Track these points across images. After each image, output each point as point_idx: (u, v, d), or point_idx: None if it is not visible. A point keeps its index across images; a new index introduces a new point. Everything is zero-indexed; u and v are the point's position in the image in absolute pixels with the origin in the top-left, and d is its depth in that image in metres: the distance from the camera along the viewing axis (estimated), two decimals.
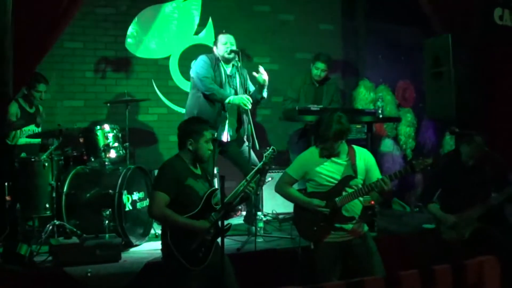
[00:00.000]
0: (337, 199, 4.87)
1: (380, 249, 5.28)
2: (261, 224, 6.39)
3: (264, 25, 8.95)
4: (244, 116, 6.54)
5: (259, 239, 6.18)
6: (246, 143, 6.38)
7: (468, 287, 3.33)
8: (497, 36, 7.31)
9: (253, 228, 6.32)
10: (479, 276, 3.36)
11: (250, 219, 6.62)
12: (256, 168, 4.92)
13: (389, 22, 9.21)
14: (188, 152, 4.74)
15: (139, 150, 7.89)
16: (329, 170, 4.96)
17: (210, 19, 8.62)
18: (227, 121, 6.52)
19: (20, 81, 5.42)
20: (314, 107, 6.97)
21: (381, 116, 7.92)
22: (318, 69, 7.65)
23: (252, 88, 6.77)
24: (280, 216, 7.24)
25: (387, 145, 9.02)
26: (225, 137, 6.54)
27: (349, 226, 4.93)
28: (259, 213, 6.47)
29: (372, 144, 8.15)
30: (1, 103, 5.02)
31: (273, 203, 7.24)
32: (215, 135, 6.40)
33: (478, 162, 5.80)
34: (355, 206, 4.96)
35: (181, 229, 4.49)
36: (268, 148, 5.07)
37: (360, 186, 4.88)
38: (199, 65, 6.51)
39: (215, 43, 6.71)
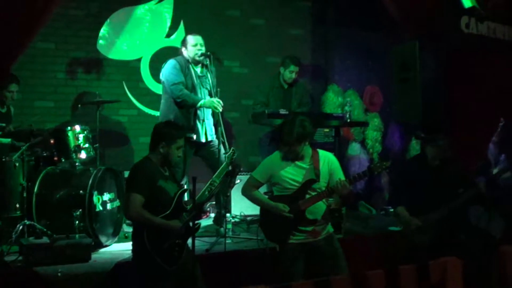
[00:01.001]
0: (300, 202, 4.97)
1: (346, 251, 5.41)
2: (229, 226, 6.51)
3: (234, 29, 8.99)
4: (217, 118, 6.58)
5: (228, 240, 6.25)
6: (217, 145, 6.45)
7: (431, 287, 3.41)
8: (464, 43, 7.52)
9: (222, 229, 6.43)
10: (442, 276, 3.43)
11: (219, 220, 6.70)
12: (220, 169, 5.02)
13: (358, 28, 9.37)
14: (159, 154, 4.81)
15: (109, 151, 7.89)
16: (293, 174, 5.06)
17: (181, 22, 8.63)
18: (204, 123, 6.59)
19: None
20: (283, 111, 7.05)
21: (348, 120, 8.05)
22: (293, 72, 7.74)
23: None
24: (248, 218, 7.30)
25: (354, 149, 9.16)
26: (203, 138, 6.61)
27: (312, 228, 5.04)
28: (228, 214, 6.58)
29: (340, 148, 8.28)
30: None
31: (242, 205, 7.26)
32: (194, 138, 6.51)
33: (442, 165, 5.91)
34: (319, 209, 5.06)
35: (157, 230, 4.56)
36: (228, 150, 5.20)
37: (323, 189, 4.99)
38: (168, 71, 6.55)
39: (184, 43, 6.72)
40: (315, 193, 5.00)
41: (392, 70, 7.50)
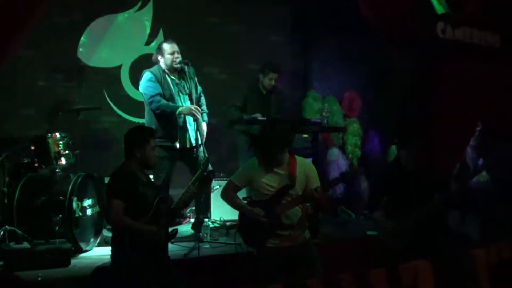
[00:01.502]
0: (276, 208, 5.05)
1: (322, 255, 5.50)
2: (207, 231, 6.58)
3: (214, 36, 9.06)
4: (198, 124, 6.58)
5: (206, 245, 6.39)
6: (197, 151, 6.49)
7: None
8: (440, 48, 7.62)
9: (200, 234, 6.50)
10: (413, 279, 3.51)
11: (197, 226, 6.71)
12: (195, 176, 5.10)
13: (337, 35, 9.49)
14: (136, 160, 4.87)
15: (90, 158, 7.87)
16: (269, 180, 5.12)
17: (161, 30, 8.71)
18: (186, 129, 6.63)
19: None
20: (260, 117, 7.16)
21: (326, 126, 8.16)
22: (272, 79, 7.80)
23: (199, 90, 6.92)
24: (228, 223, 7.34)
25: (334, 154, 9.22)
26: (187, 143, 6.66)
27: (289, 233, 5.10)
28: (206, 220, 6.65)
29: (318, 153, 8.38)
30: None
31: (221, 211, 7.33)
32: (178, 146, 6.58)
33: (417, 169, 5.95)
34: (296, 214, 5.11)
35: (138, 235, 4.62)
36: (204, 157, 5.31)
37: (299, 195, 5.07)
38: (144, 85, 6.58)
39: (160, 52, 6.70)
40: (291, 198, 5.07)
41: (368, 76, 7.56)
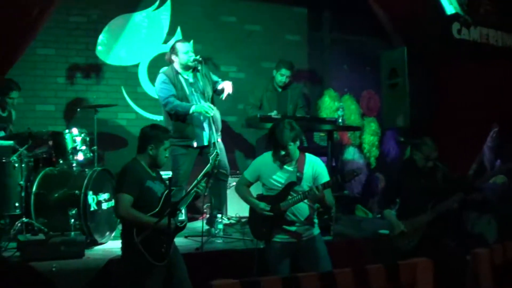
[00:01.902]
0: (281, 203, 5.12)
1: (334, 253, 5.56)
2: (221, 226, 6.68)
3: (231, 35, 9.19)
4: (219, 121, 6.73)
5: (219, 240, 6.48)
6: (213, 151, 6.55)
7: (400, 286, 3.52)
8: (455, 49, 7.60)
9: (213, 229, 6.62)
10: (412, 276, 3.50)
11: (211, 221, 6.85)
12: (204, 170, 5.20)
13: (354, 34, 9.56)
14: (147, 156, 4.98)
15: (108, 154, 8.12)
16: (278, 175, 5.22)
17: (178, 29, 8.84)
18: (201, 128, 6.68)
19: None
20: (275, 115, 7.23)
21: (341, 124, 8.21)
22: (283, 76, 7.88)
23: (215, 78, 6.97)
24: (243, 220, 7.38)
25: (351, 153, 9.28)
26: (205, 141, 6.70)
27: (293, 229, 5.19)
28: (219, 215, 6.75)
29: (333, 151, 8.45)
30: None
31: (238, 207, 7.45)
32: (195, 144, 6.66)
33: (430, 168, 5.99)
34: (302, 210, 5.19)
35: (145, 227, 4.68)
36: (213, 151, 5.40)
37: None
38: (159, 87, 6.65)
39: (174, 51, 6.72)
40: (296, 195, 5.12)
41: (382, 76, 7.58)
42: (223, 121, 8.68)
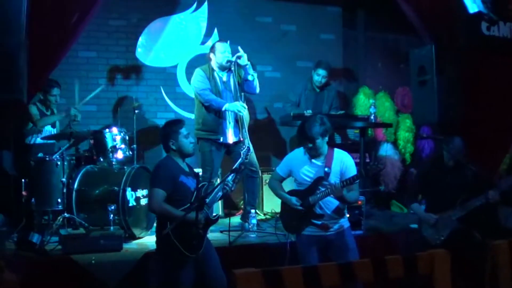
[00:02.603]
0: (310, 197, 5.31)
1: (364, 246, 5.74)
2: (254, 221, 6.89)
3: (266, 35, 9.38)
4: (245, 120, 6.94)
5: (252, 235, 6.70)
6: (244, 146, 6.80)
7: (418, 277, 3.43)
8: (484, 45, 7.63)
9: (246, 224, 6.87)
10: (429, 267, 3.59)
11: (246, 216, 7.10)
12: (234, 167, 5.41)
13: (388, 32, 9.66)
14: (174, 152, 5.21)
15: (147, 152, 8.41)
16: (308, 170, 5.39)
17: (215, 30, 9.10)
18: (228, 126, 6.94)
19: (35, 88, 6.05)
20: (307, 113, 7.42)
21: (373, 121, 8.34)
22: (320, 76, 8.10)
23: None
24: (278, 215, 7.64)
25: (386, 149, 9.34)
26: (230, 139, 6.97)
27: (322, 222, 5.35)
28: (252, 211, 6.98)
29: (367, 148, 8.61)
30: (17, 108, 5.60)
31: (273, 203, 7.68)
32: (221, 139, 6.93)
33: (458, 165, 6.11)
34: (330, 204, 5.35)
35: (177, 221, 4.86)
36: (244, 147, 5.61)
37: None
38: (196, 80, 6.96)
39: (213, 50, 7.04)
40: (325, 189, 5.27)
41: (411, 73, 7.67)
42: (259, 119, 8.97)
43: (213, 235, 6.42)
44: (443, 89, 7.10)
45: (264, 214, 8.10)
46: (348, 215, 5.74)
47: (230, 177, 5.23)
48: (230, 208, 8.47)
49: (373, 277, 3.32)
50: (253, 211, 6.98)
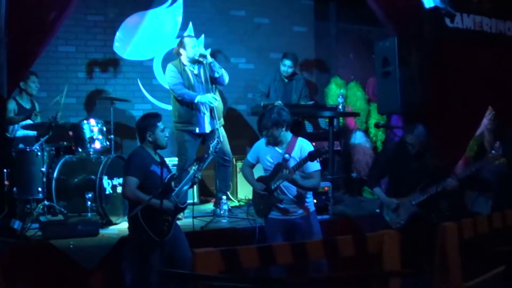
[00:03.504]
0: (271, 182, 5.66)
1: (330, 230, 6.11)
2: (225, 207, 7.20)
3: (240, 28, 9.68)
4: (219, 111, 7.32)
5: (224, 220, 7.05)
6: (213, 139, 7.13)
7: (368, 256, 3.67)
8: (448, 37, 7.87)
9: (218, 210, 7.23)
10: (378, 246, 3.84)
11: (217, 203, 7.43)
12: (197, 157, 5.79)
13: (360, 23, 9.96)
14: (149, 143, 5.56)
15: (126, 142, 8.74)
16: (270, 157, 5.75)
17: (190, 24, 9.37)
18: (204, 116, 7.26)
19: (14, 82, 6.35)
20: (277, 103, 7.73)
21: (341, 110, 8.67)
22: (286, 66, 8.40)
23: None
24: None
25: (358, 137, 9.66)
26: (207, 128, 7.31)
27: (285, 206, 5.69)
28: (224, 197, 7.31)
29: (338, 136, 8.96)
30: None
31: (247, 190, 7.84)
32: (197, 130, 7.27)
33: (420, 152, 6.40)
34: (291, 189, 5.67)
35: (149, 207, 5.22)
36: (213, 140, 5.97)
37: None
38: (169, 75, 7.29)
39: (181, 45, 7.34)
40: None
41: (376, 64, 7.91)
42: (233, 109, 9.29)
43: (187, 220, 6.79)
44: (405, 80, 7.34)
45: (238, 201, 8.44)
46: (315, 201, 6.10)
47: (194, 166, 5.59)
48: (206, 195, 8.79)
49: (325, 256, 3.72)
50: (224, 197, 7.30)
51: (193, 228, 6.44)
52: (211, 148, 5.93)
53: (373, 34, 9.93)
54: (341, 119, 9.52)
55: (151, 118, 5.65)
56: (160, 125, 5.59)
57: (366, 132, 9.80)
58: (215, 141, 6.02)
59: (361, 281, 3.37)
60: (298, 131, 8.18)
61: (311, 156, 5.37)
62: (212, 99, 7.08)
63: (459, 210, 7.70)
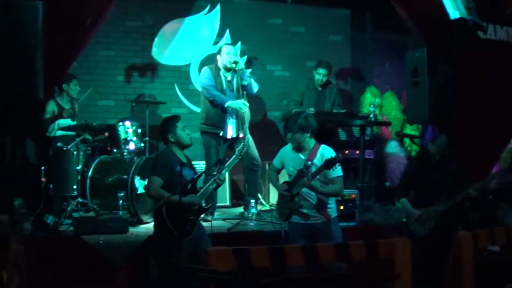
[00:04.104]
0: (293, 188, 5.77)
1: (354, 237, 6.15)
2: (254, 210, 7.37)
3: (276, 36, 9.86)
4: (245, 118, 7.42)
5: (251, 223, 7.20)
6: (244, 141, 7.14)
7: (379, 261, 3.71)
8: (481, 49, 7.75)
9: (246, 213, 7.39)
10: (390, 253, 3.60)
11: (246, 206, 7.59)
12: (230, 160, 5.99)
13: (395, 33, 10.00)
14: (173, 144, 5.77)
15: (162, 145, 8.84)
16: (294, 163, 5.89)
17: (227, 31, 9.59)
18: (229, 121, 7.47)
19: (51, 85, 6.65)
20: (309, 110, 7.88)
21: (372, 120, 8.73)
22: (320, 74, 8.47)
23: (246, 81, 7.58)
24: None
25: (392, 146, 9.64)
26: (229, 134, 7.50)
27: (307, 211, 5.81)
28: (252, 201, 7.48)
29: (371, 145, 9.02)
30: (35, 103, 6.19)
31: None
32: (221, 133, 7.46)
33: (443, 161, 6.49)
34: (312, 195, 5.79)
35: (173, 206, 5.41)
36: (239, 144, 6.16)
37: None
38: (203, 76, 7.54)
39: (219, 52, 7.60)
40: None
41: (406, 74, 7.94)
42: (267, 116, 9.48)
43: (216, 222, 6.98)
44: (434, 90, 7.34)
45: (270, 205, 8.55)
46: (341, 207, 6.21)
47: (215, 169, 5.79)
48: (238, 199, 8.97)
49: (337, 260, 3.61)
50: (253, 201, 7.46)
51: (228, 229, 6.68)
52: (236, 152, 6.13)
53: (408, 44, 9.96)
54: (375, 128, 9.58)
55: (169, 120, 5.88)
56: (180, 124, 5.79)
57: (400, 141, 9.77)
58: (241, 145, 6.21)
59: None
60: (330, 139, 8.36)
61: (327, 164, 5.52)
62: (242, 106, 7.27)
63: (490, 222, 7.66)
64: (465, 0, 7.22)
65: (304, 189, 5.73)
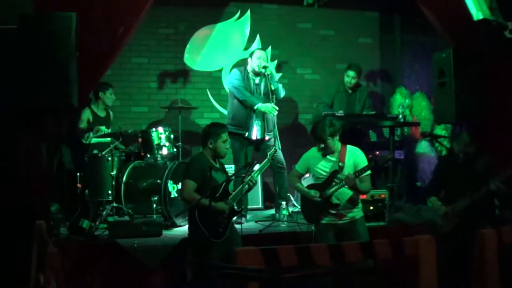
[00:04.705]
0: (327, 189, 5.93)
1: (383, 236, 6.19)
2: (285, 212, 7.51)
3: (306, 40, 9.97)
4: (271, 121, 7.55)
5: (283, 224, 7.34)
6: (272, 143, 7.40)
7: (405, 259, 3.73)
8: (507, 49, 7.68)
9: (277, 215, 7.55)
10: (415, 250, 3.62)
11: (277, 208, 7.73)
12: (262, 164, 6.14)
13: (424, 34, 10.01)
14: (209, 149, 5.92)
15: (195, 149, 9.07)
16: (323, 165, 6.03)
17: (258, 36, 9.73)
18: (255, 123, 7.61)
19: (85, 93, 6.86)
20: (339, 113, 7.99)
21: (401, 120, 8.77)
22: (349, 77, 8.58)
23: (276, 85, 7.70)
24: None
25: (423, 146, 9.72)
26: (254, 135, 7.63)
27: (338, 211, 5.95)
28: (283, 202, 7.61)
29: (402, 145, 9.09)
30: (69, 111, 6.41)
31: None
32: (246, 134, 7.62)
33: (468, 159, 6.46)
34: (344, 195, 5.95)
35: (206, 210, 5.55)
36: (272, 148, 6.31)
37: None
38: (233, 77, 7.71)
39: (250, 55, 7.79)
40: (339, 181, 5.90)
41: (433, 75, 7.97)
42: (299, 119, 9.61)
43: (248, 224, 7.27)
44: (461, 91, 7.36)
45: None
46: (371, 207, 6.32)
47: (242, 170, 5.96)
48: (270, 201, 9.02)
49: (363, 258, 3.66)
50: (284, 203, 7.60)
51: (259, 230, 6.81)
52: (268, 156, 6.28)
53: (438, 45, 9.95)
54: (406, 128, 9.62)
55: (217, 127, 6.04)
56: (224, 136, 5.94)
57: (431, 141, 9.78)
58: (273, 149, 6.36)
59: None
60: (361, 140, 8.47)
61: (376, 163, 5.89)
62: (271, 109, 7.37)
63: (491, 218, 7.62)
64: (489, 1, 7.19)
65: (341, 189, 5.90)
